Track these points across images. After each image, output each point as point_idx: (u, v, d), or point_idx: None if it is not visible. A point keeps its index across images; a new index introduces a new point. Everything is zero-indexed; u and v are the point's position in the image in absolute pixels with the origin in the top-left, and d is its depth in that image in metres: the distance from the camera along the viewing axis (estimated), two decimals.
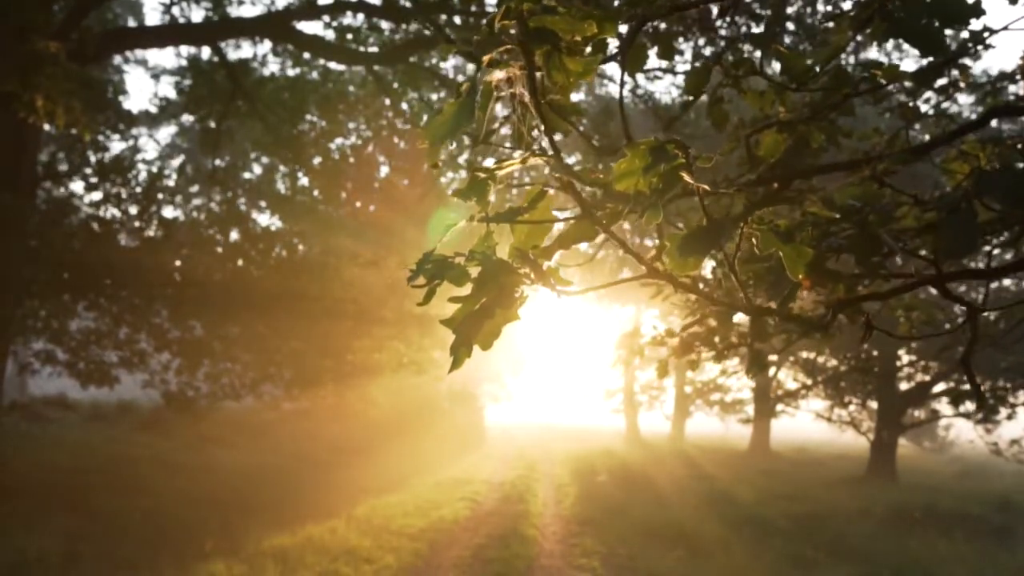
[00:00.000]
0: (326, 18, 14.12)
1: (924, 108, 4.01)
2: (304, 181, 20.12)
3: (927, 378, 21.15)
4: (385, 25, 14.53)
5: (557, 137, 1.38)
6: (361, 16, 14.01)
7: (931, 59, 1.91)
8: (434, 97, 17.93)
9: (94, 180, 13.22)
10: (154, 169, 15.58)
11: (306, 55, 16.22)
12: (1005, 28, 1.84)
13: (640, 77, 13.36)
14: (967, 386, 18.95)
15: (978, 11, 1.32)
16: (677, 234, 1.15)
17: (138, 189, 13.59)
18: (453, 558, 9.13)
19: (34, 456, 11.87)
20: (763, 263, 1.32)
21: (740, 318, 4.09)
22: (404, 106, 17.04)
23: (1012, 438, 20.73)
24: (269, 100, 15.31)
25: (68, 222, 12.91)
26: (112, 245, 12.79)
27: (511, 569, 8.54)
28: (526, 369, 47.81)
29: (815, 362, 23.66)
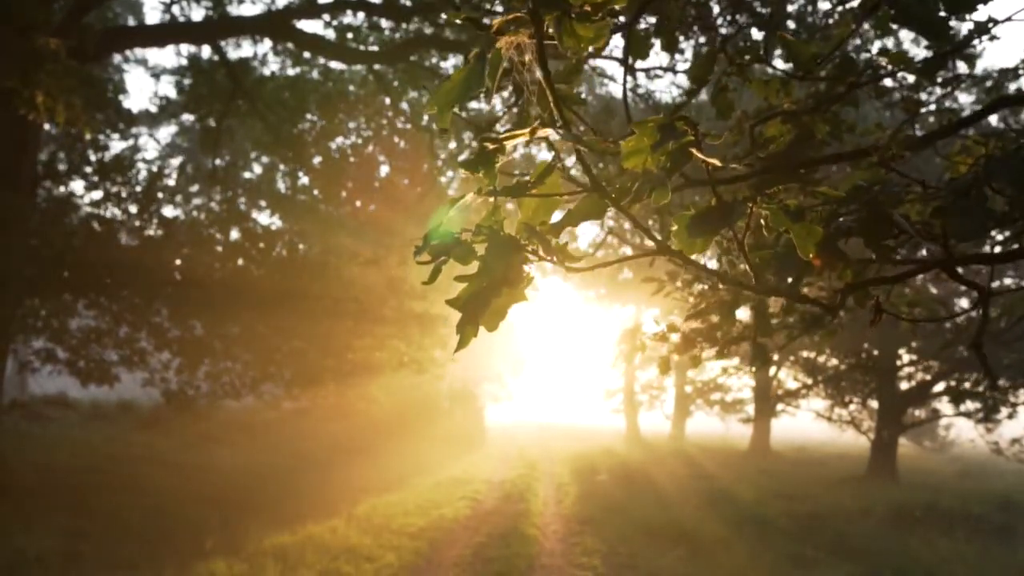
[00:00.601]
0: (326, 17, 14.12)
1: (926, 105, 4.00)
2: (304, 180, 20.13)
3: (928, 377, 21.14)
4: (385, 24, 14.53)
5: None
6: (361, 15, 14.01)
7: (936, 51, 1.90)
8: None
9: (94, 179, 13.21)
10: (154, 168, 15.59)
11: (306, 54, 16.22)
12: (1008, 19, 1.83)
13: (641, 76, 13.36)
14: (967, 385, 18.93)
15: None
16: (685, 215, 1.14)
17: (138, 188, 13.59)
18: (454, 557, 9.11)
19: (34, 455, 11.87)
20: (768, 250, 1.31)
21: (741, 315, 4.08)
22: (404, 105, 17.04)
23: (1013, 437, 20.71)
24: (269, 99, 15.31)
25: (68, 221, 12.90)
26: (112, 244, 12.79)
27: (512, 568, 8.53)
28: (526, 369, 47.84)
29: (815, 362, 23.65)
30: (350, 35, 14.62)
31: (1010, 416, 19.44)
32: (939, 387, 20.87)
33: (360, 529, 10.12)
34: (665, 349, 3.85)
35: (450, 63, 15.76)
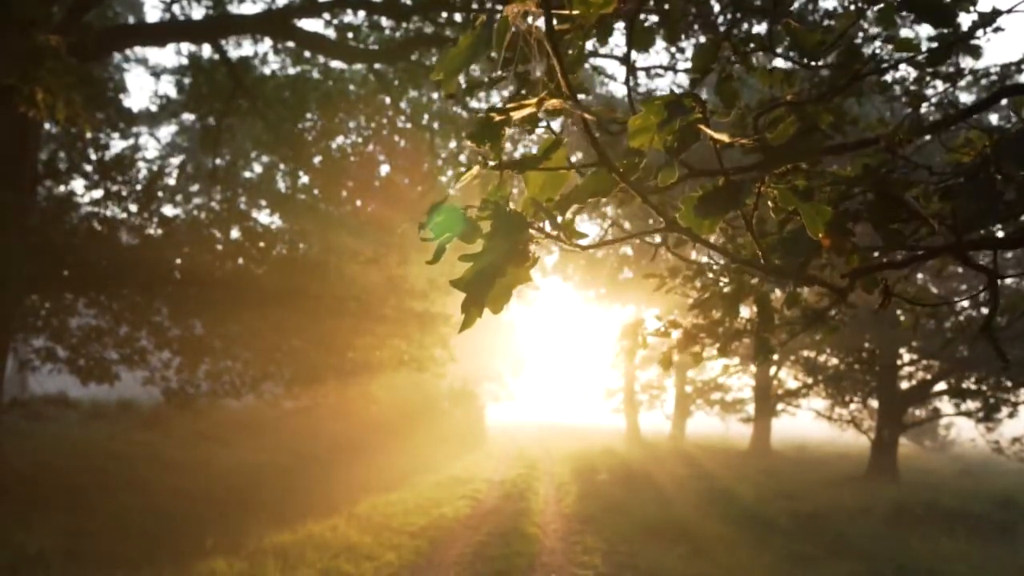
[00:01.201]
0: (326, 16, 14.10)
1: (928, 100, 3.99)
2: (304, 180, 20.12)
3: (928, 376, 21.13)
4: (385, 23, 14.51)
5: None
6: (362, 14, 13.99)
7: (940, 41, 1.89)
8: (435, 96, 17.93)
9: (95, 178, 13.21)
10: (155, 168, 15.58)
11: (307, 53, 16.21)
12: (1010, 11, 1.82)
13: (641, 75, 13.33)
14: (970, 383, 18.90)
15: None
16: (693, 196, 1.13)
17: (138, 187, 13.58)
18: (454, 556, 9.11)
19: (34, 454, 11.86)
20: (773, 236, 1.30)
21: (742, 314, 4.07)
22: (404, 105, 17.03)
23: (1014, 436, 20.70)
24: (270, 98, 15.30)
25: (68, 220, 12.89)
26: (113, 243, 12.78)
27: (512, 566, 8.52)
28: (527, 369, 47.86)
29: (816, 361, 23.64)
30: (350, 34, 14.60)
31: (1011, 415, 19.43)
32: (940, 386, 20.86)
33: (360, 528, 10.12)
34: (666, 346, 3.83)
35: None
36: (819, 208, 1.13)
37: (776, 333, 3.67)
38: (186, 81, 16.66)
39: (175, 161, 27.15)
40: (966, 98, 15.30)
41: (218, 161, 16.06)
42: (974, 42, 1.99)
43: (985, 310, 14.03)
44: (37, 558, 7.33)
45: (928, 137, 2.13)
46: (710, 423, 34.97)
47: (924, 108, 3.57)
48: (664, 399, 35.76)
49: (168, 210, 17.18)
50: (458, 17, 12.40)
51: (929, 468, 26.02)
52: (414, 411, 21.34)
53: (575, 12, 1.15)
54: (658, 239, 3.44)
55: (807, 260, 1.15)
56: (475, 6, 10.84)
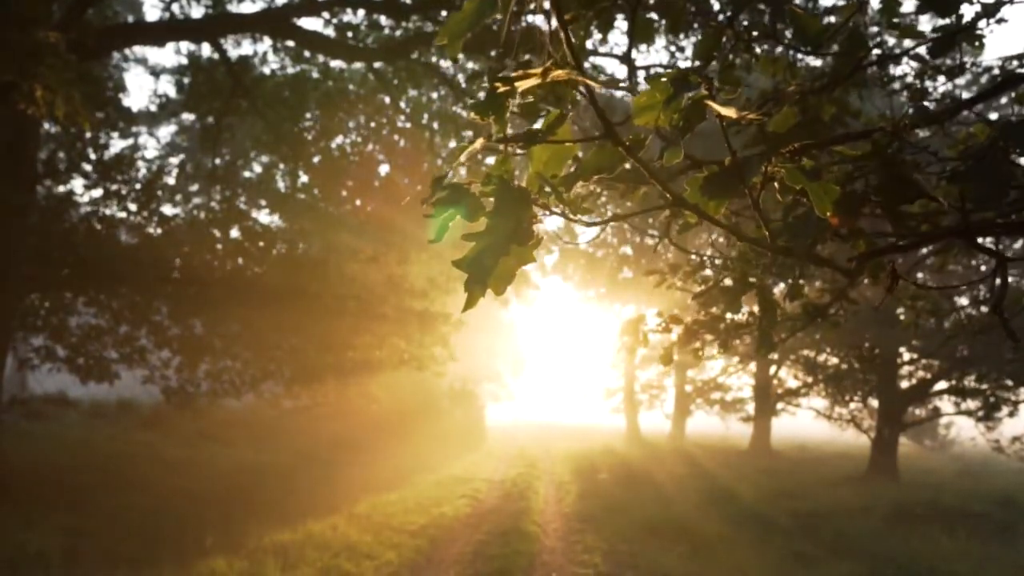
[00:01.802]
0: (326, 15, 14.09)
1: (930, 94, 3.98)
2: (304, 179, 20.12)
3: (928, 376, 21.12)
4: (385, 22, 14.50)
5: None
6: (361, 13, 13.98)
7: (944, 31, 1.88)
8: (434, 96, 17.92)
9: (94, 177, 13.20)
10: (154, 167, 15.57)
11: (306, 53, 16.20)
12: (1013, 1, 1.81)
13: (641, 75, 13.33)
14: (968, 381, 18.88)
15: None
16: (698, 176, 1.11)
17: (138, 187, 13.57)
18: (455, 554, 9.10)
19: (34, 453, 11.85)
20: (778, 223, 1.28)
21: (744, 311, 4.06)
22: (403, 104, 17.01)
23: (1014, 435, 20.70)
24: (269, 97, 15.29)
25: (68, 219, 12.88)
26: (112, 242, 12.76)
27: (513, 565, 8.50)
28: (526, 368, 47.86)
29: (816, 360, 23.63)
30: (350, 34, 14.60)
31: (1011, 414, 19.42)
32: (940, 385, 20.86)
33: (360, 527, 10.10)
34: (667, 342, 3.82)
35: (451, 62, 15.75)
36: (826, 187, 1.12)
37: (777, 330, 3.66)
38: (185, 80, 16.65)
39: (175, 161, 27.13)
40: (968, 96, 15.30)
41: (217, 161, 16.05)
42: (977, 32, 1.98)
43: (985, 309, 14.00)
44: (37, 557, 7.32)
45: (930, 134, 2.12)
46: (710, 422, 34.96)
47: (926, 104, 3.56)
48: (664, 399, 35.75)
49: (168, 209, 17.20)
50: None
51: (929, 467, 26.01)
52: (414, 411, 21.33)
53: None
54: (658, 238, 3.42)
55: (815, 241, 1.14)
56: None
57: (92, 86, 11.47)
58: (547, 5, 1.19)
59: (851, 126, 2.34)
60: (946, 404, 22.67)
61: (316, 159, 18.64)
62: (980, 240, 1.25)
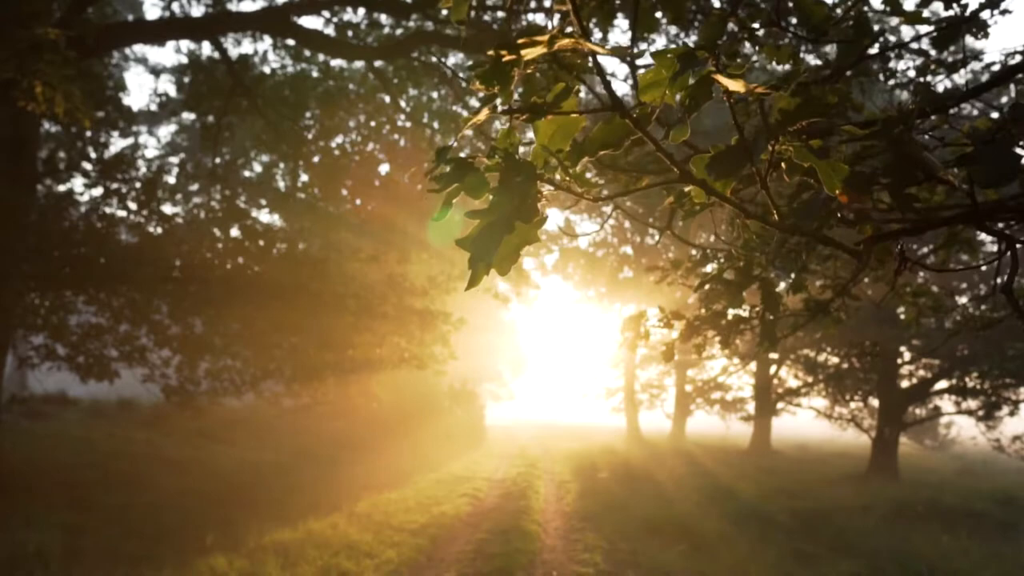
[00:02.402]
0: (326, 14, 14.09)
1: (933, 87, 3.97)
2: (304, 178, 20.12)
3: (928, 375, 21.13)
4: (385, 21, 14.50)
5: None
6: (362, 11, 13.98)
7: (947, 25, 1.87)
8: (435, 95, 17.91)
9: (95, 176, 13.20)
10: (155, 166, 15.56)
11: (306, 52, 16.20)
12: None
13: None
14: (968, 379, 18.88)
15: None
16: (704, 156, 1.10)
17: (138, 185, 13.57)
18: (455, 553, 9.08)
19: (34, 452, 11.85)
20: (784, 207, 1.27)
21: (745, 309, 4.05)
22: (404, 103, 17.01)
23: (1014, 434, 20.71)
24: (269, 96, 15.29)
25: (68, 217, 12.88)
26: (112, 241, 12.76)
27: (513, 564, 8.49)
28: (527, 368, 47.86)
29: (816, 360, 23.65)
30: (350, 32, 14.59)
31: (1011, 413, 19.43)
32: (940, 384, 20.86)
33: (361, 525, 10.09)
34: (668, 340, 3.81)
35: (451, 61, 15.75)
36: (835, 165, 1.11)
37: (779, 326, 3.65)
38: (186, 79, 16.65)
39: (175, 160, 27.13)
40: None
41: (218, 160, 16.05)
42: (982, 19, 1.97)
43: (985, 307, 13.99)
44: (37, 555, 7.31)
45: (935, 121, 2.11)
46: (710, 422, 34.97)
47: (932, 90, 3.55)
48: (664, 398, 35.77)
49: (168, 208, 17.17)
50: None
51: (930, 467, 26.01)
52: (414, 410, 21.33)
53: None
54: (658, 236, 3.41)
55: (821, 224, 1.13)
56: (475, 2, 10.81)
57: (92, 84, 11.46)
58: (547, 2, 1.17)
59: (853, 120, 2.33)
60: (947, 403, 22.68)
61: (316, 158, 18.64)
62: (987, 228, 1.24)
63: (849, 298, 3.56)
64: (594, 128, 1.17)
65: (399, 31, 14.40)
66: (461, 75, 15.18)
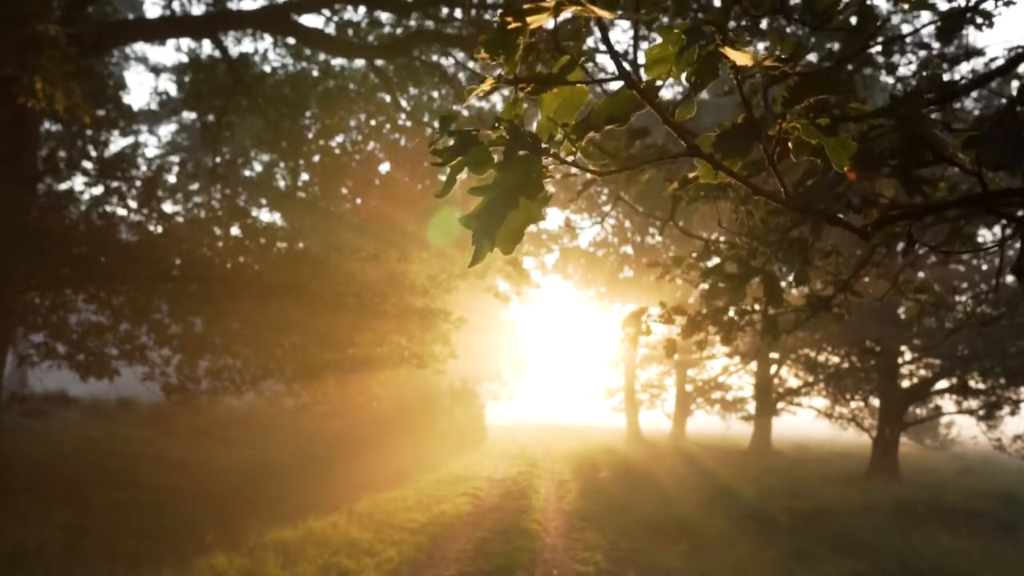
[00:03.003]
0: (327, 12, 14.08)
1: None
2: (305, 177, 20.11)
3: (929, 375, 21.12)
4: (385, 20, 14.49)
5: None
6: (362, 10, 13.97)
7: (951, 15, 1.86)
8: (435, 94, 17.90)
9: (95, 175, 13.18)
10: (155, 165, 15.54)
11: (307, 50, 16.20)
12: None
13: (643, 71, 13.29)
14: (969, 377, 18.87)
15: None
16: (709, 136, 1.09)
17: (139, 184, 13.56)
18: (455, 552, 9.07)
19: (34, 450, 11.83)
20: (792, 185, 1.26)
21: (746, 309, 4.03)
22: (404, 102, 17.00)
23: (1016, 434, 20.70)
24: (270, 95, 15.28)
25: (68, 216, 12.87)
26: (112, 239, 12.74)
27: (513, 562, 8.48)
28: (527, 368, 47.86)
29: (816, 360, 23.63)
30: (350, 31, 14.59)
31: (1012, 413, 19.42)
32: (941, 384, 20.86)
33: (361, 524, 10.08)
34: (669, 334, 3.79)
35: (451, 60, 15.75)
36: (844, 142, 1.09)
37: (781, 322, 3.63)
38: (186, 78, 16.64)
39: (174, 159, 27.13)
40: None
41: (218, 159, 16.04)
42: (986, 10, 1.96)
43: (986, 306, 13.97)
44: (37, 553, 7.30)
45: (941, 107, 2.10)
46: (711, 422, 34.96)
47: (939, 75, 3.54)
48: (665, 398, 35.77)
49: (168, 207, 17.17)
50: (459, 13, 12.38)
51: (930, 466, 25.99)
52: (414, 409, 21.32)
53: None
54: (659, 237, 3.40)
55: (833, 197, 1.11)
56: (475, 1, 10.80)
57: (92, 83, 11.45)
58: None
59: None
60: (947, 403, 22.67)
61: (317, 157, 18.63)
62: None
63: (851, 294, 3.54)
64: (600, 101, 1.15)
65: (399, 30, 14.39)
66: (462, 75, 15.17)
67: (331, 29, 14.43)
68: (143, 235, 13.57)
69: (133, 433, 15.34)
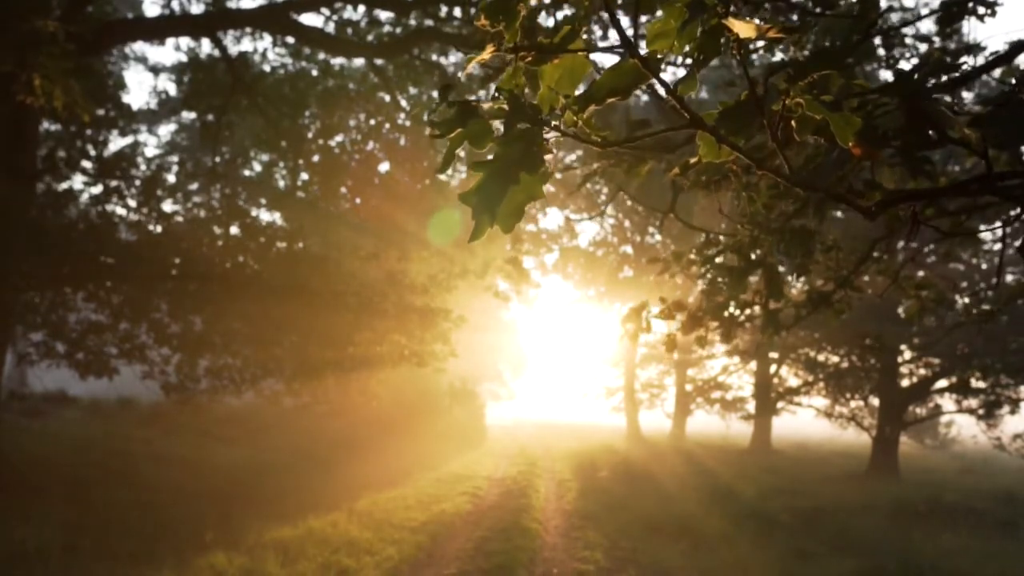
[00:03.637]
0: (326, 12, 14.07)
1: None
2: (304, 176, 20.10)
3: (929, 374, 21.12)
4: (384, 19, 14.48)
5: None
6: (362, 8, 13.96)
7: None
8: (435, 94, 17.90)
9: (94, 174, 13.17)
10: (155, 165, 15.54)
11: (306, 49, 16.19)
12: None
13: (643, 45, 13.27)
14: (970, 375, 18.87)
15: None
16: (713, 113, 1.08)
17: (138, 183, 13.55)
18: (455, 550, 9.06)
19: (33, 450, 11.82)
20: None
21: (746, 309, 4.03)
22: (403, 102, 16.99)
23: (1015, 433, 20.70)
24: (269, 94, 15.27)
25: (68, 214, 12.85)
26: (112, 238, 12.73)
27: (513, 561, 8.47)
28: (527, 368, 47.86)
29: (816, 359, 23.63)
30: (350, 30, 14.58)
31: (1012, 412, 19.42)
32: (940, 383, 20.86)
33: (361, 523, 10.07)
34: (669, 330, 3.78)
35: (451, 59, 15.73)
36: (848, 118, 1.08)
37: (782, 318, 3.62)
38: (185, 78, 16.64)
39: (174, 158, 27.11)
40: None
41: (217, 159, 16.03)
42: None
43: (986, 306, 13.95)
44: (36, 552, 7.29)
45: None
46: (710, 421, 34.95)
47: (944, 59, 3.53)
48: (664, 398, 35.76)
49: (168, 206, 17.15)
50: (458, 12, 12.38)
51: (930, 466, 25.99)
52: (414, 408, 21.31)
53: None
54: (658, 236, 3.39)
55: (841, 177, 1.10)
56: None
57: (92, 82, 11.43)
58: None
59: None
60: (947, 402, 22.67)
61: (316, 157, 18.62)
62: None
63: (851, 290, 3.54)
64: (603, 73, 1.13)
65: (399, 29, 14.38)
66: (461, 75, 15.16)
67: (330, 28, 14.42)
68: (142, 234, 13.55)
69: (133, 432, 15.32)
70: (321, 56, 16.39)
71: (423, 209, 18.74)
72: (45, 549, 7.45)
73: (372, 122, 20.06)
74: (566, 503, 13.42)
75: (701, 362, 32.93)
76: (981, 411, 19.93)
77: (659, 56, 1.09)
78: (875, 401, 22.49)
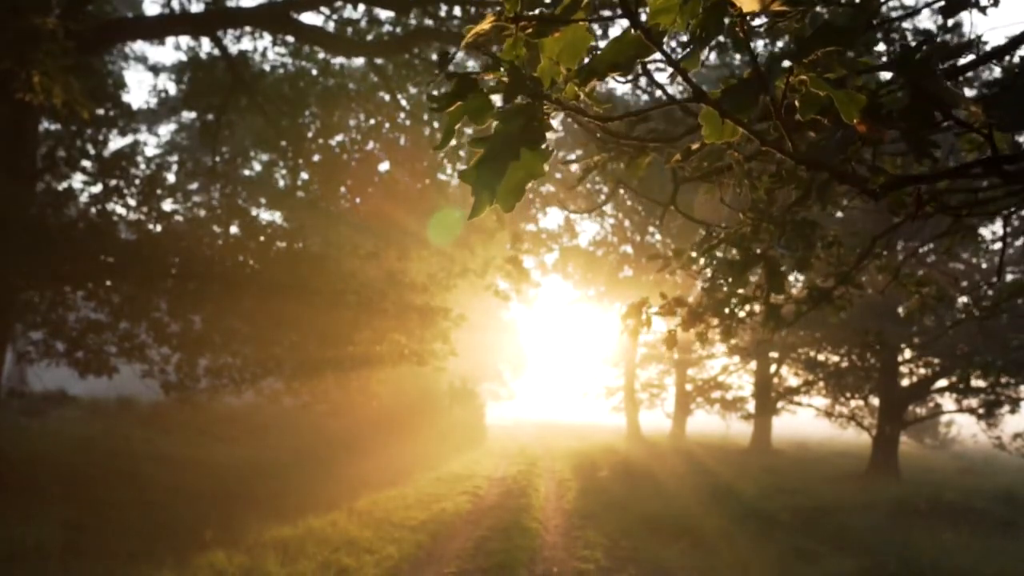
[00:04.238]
0: (326, 11, 14.07)
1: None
2: (304, 176, 20.09)
3: (929, 373, 21.11)
4: (384, 18, 14.48)
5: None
6: (362, 7, 13.95)
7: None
8: (435, 94, 17.86)
9: (94, 174, 13.15)
10: (154, 164, 15.52)
11: (306, 48, 16.17)
12: None
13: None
14: (970, 373, 18.85)
15: None
16: (716, 92, 1.07)
17: (138, 183, 13.52)
18: (455, 549, 9.06)
19: (33, 449, 11.81)
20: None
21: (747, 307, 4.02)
22: (403, 101, 16.97)
23: (1016, 432, 20.69)
24: (269, 93, 15.25)
25: (67, 213, 12.84)
26: (112, 238, 12.71)
27: (514, 560, 8.47)
28: (527, 368, 47.86)
29: (816, 359, 23.62)
30: (350, 29, 14.57)
31: (1012, 411, 19.41)
32: (940, 383, 20.84)
33: (361, 522, 10.07)
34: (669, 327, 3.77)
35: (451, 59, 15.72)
36: (853, 95, 1.07)
37: (783, 316, 3.61)
38: (185, 77, 16.63)
39: (174, 158, 27.08)
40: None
41: (217, 158, 16.02)
42: None
43: (986, 304, 13.92)
44: (36, 551, 7.28)
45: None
46: (710, 421, 34.94)
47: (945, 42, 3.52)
48: (664, 397, 35.75)
49: (167, 206, 17.12)
50: (458, 11, 12.37)
51: (930, 465, 25.98)
52: (414, 408, 21.30)
53: None
54: (657, 237, 3.39)
55: (847, 159, 1.10)
56: None
57: (92, 81, 11.42)
58: None
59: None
60: (947, 402, 22.67)
61: (316, 156, 18.60)
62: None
63: (852, 287, 3.53)
64: (604, 46, 1.12)
65: (399, 28, 14.37)
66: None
67: (330, 27, 14.41)
68: (142, 233, 13.53)
69: (132, 431, 15.31)
70: (321, 55, 16.38)
71: (423, 208, 18.72)
72: (44, 548, 7.44)
73: (372, 121, 20.03)
74: (566, 503, 13.41)
75: (701, 362, 32.92)
76: (981, 410, 19.92)
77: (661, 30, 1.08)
78: (875, 401, 22.48)
